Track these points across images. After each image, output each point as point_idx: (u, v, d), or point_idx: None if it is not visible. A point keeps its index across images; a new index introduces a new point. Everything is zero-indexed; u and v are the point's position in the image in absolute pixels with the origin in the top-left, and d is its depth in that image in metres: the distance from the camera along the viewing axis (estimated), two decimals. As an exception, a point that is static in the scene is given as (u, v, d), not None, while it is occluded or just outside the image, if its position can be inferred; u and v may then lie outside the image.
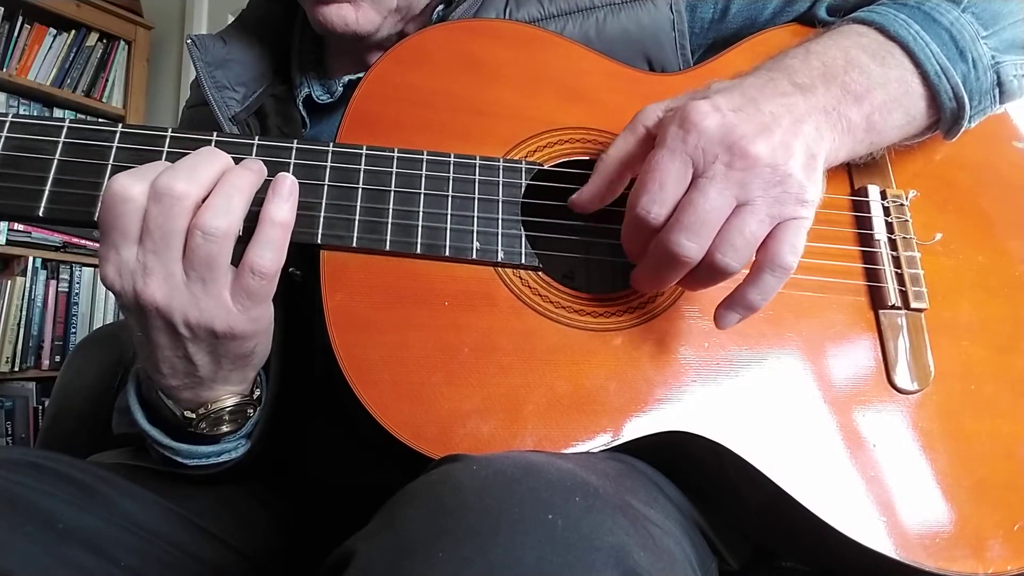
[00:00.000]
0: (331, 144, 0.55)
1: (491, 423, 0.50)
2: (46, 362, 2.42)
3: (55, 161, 0.51)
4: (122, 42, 2.71)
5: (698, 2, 0.70)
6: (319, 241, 0.53)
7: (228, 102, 0.68)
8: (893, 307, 0.58)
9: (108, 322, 2.54)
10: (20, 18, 2.47)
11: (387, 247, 0.53)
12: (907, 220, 0.62)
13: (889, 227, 0.61)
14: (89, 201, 0.51)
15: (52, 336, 2.45)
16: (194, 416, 0.53)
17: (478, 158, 0.57)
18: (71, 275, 2.53)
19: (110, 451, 0.68)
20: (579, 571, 0.32)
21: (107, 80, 2.68)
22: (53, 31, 2.55)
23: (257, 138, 0.54)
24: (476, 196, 0.56)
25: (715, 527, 0.58)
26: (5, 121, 0.52)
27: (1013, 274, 0.63)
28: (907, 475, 0.54)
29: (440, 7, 0.70)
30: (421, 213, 0.54)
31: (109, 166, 0.52)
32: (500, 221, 0.55)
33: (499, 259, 0.54)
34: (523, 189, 0.57)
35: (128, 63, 2.73)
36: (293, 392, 0.60)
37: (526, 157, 0.58)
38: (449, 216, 0.55)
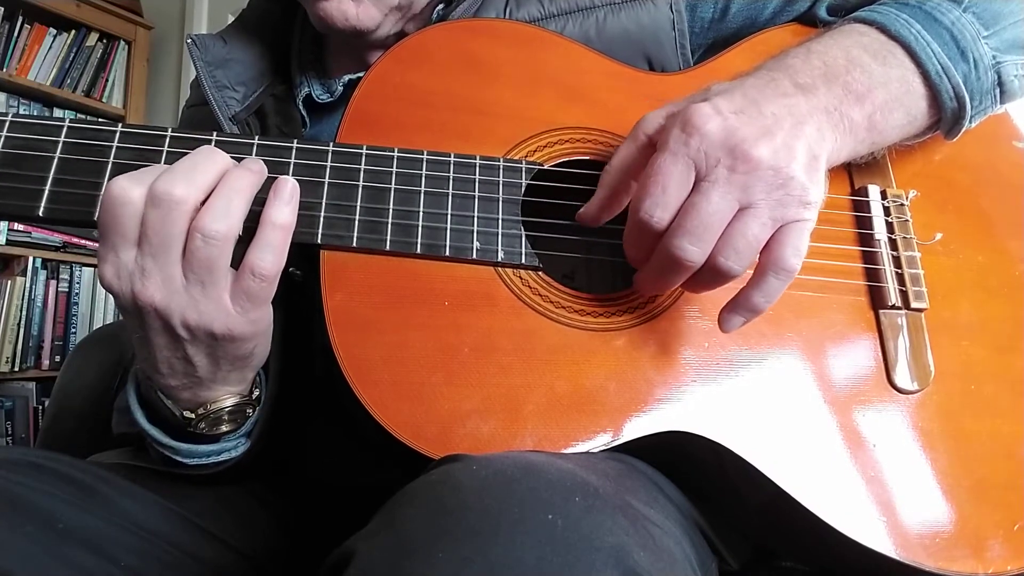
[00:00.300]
0: (331, 144, 0.55)
1: (491, 423, 0.50)
2: (46, 362, 2.42)
3: (55, 161, 0.51)
4: (122, 42, 2.71)
5: (698, 2, 0.70)
6: (319, 241, 0.53)
7: (228, 102, 0.68)
8: (893, 307, 0.58)
9: (108, 322, 2.54)
10: (20, 18, 2.47)
11: (387, 247, 0.53)
12: (907, 220, 0.62)
13: (889, 227, 0.61)
14: (89, 201, 0.51)
15: (52, 336, 2.45)
16: (193, 416, 0.53)
17: (478, 158, 0.57)
18: (71, 275, 2.53)
19: (110, 451, 0.68)
20: (579, 571, 0.32)
21: (107, 80, 2.68)
22: (53, 31, 2.55)
23: (257, 138, 0.54)
24: (476, 196, 0.56)
25: (715, 527, 0.58)
26: (5, 121, 0.52)
27: (1013, 274, 0.63)
28: (907, 475, 0.54)
29: (440, 6, 0.70)
30: (421, 213, 0.54)
31: (109, 166, 0.52)
32: (500, 221, 0.55)
33: (499, 259, 0.54)
34: (523, 189, 0.57)
35: (128, 63, 2.73)
36: (293, 392, 0.60)
37: (526, 157, 0.58)
38: (449, 216, 0.55)
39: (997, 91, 0.59)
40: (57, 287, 2.49)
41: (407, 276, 0.54)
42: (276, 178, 0.51)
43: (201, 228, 0.46)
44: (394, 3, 0.65)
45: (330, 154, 0.55)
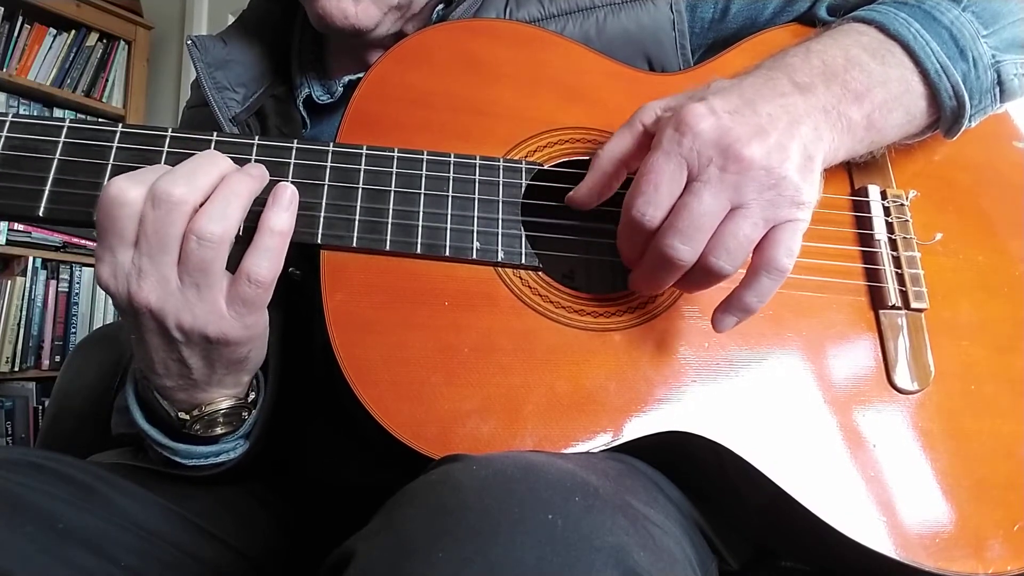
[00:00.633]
0: (331, 144, 0.55)
1: (491, 423, 0.50)
2: (46, 362, 2.42)
3: (55, 161, 0.51)
4: (122, 42, 2.71)
5: (698, 2, 0.70)
6: (319, 241, 0.53)
7: (228, 103, 0.68)
8: (893, 307, 0.58)
9: (108, 322, 2.54)
10: (20, 18, 2.47)
11: (387, 247, 0.53)
12: (907, 220, 0.62)
13: (889, 227, 0.61)
14: (89, 201, 0.51)
15: (52, 336, 2.45)
16: (188, 417, 0.53)
17: (478, 158, 0.57)
18: (71, 275, 2.53)
19: (110, 451, 0.68)
20: (579, 571, 0.32)
21: (107, 80, 2.68)
22: (53, 31, 2.55)
23: (257, 138, 0.54)
24: (476, 196, 0.56)
25: (715, 527, 0.58)
26: (5, 121, 0.52)
27: (1013, 274, 0.63)
28: (907, 475, 0.54)
29: (440, 7, 0.70)
30: (421, 213, 0.54)
31: (109, 166, 0.52)
32: (500, 221, 0.55)
33: (499, 259, 0.54)
34: (523, 189, 0.57)
35: (128, 63, 2.73)
36: (293, 392, 0.60)
37: (526, 157, 0.58)
38: (449, 216, 0.55)
39: (996, 90, 0.59)
40: (57, 287, 2.49)
41: (407, 276, 0.54)
42: (277, 182, 0.51)
43: (196, 230, 0.46)
44: (393, 2, 0.65)
45: (330, 154, 0.55)
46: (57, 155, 0.51)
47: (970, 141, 0.63)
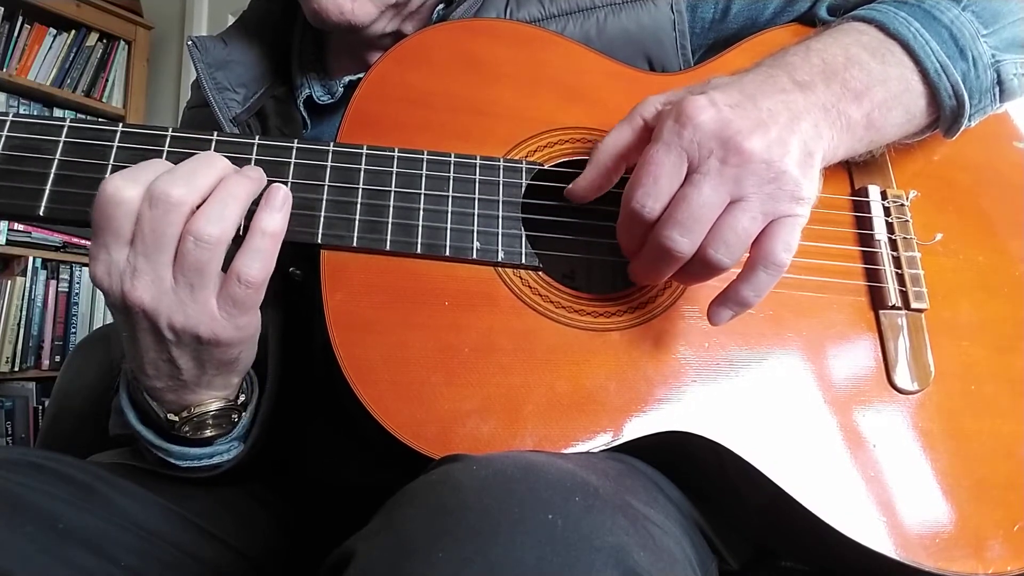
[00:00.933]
0: (331, 144, 0.55)
1: (491, 423, 0.50)
2: (46, 362, 2.42)
3: (56, 161, 0.51)
4: (122, 42, 2.71)
5: (699, 2, 0.70)
6: (319, 241, 0.53)
7: (229, 103, 0.68)
8: (893, 307, 0.58)
9: (108, 322, 2.54)
10: (20, 18, 2.48)
11: (387, 247, 0.53)
12: (907, 220, 0.62)
13: (889, 227, 0.61)
14: (90, 201, 0.50)
15: (52, 336, 2.45)
16: (176, 419, 0.53)
17: (479, 158, 0.57)
18: (71, 275, 2.53)
19: (110, 451, 0.68)
20: (579, 571, 0.32)
21: (107, 80, 2.68)
22: (53, 31, 2.56)
23: (258, 138, 0.54)
24: (476, 196, 0.56)
25: (715, 527, 0.58)
26: (6, 120, 0.52)
27: (1013, 274, 0.63)
28: (907, 475, 0.54)
29: (440, 7, 0.70)
30: (421, 213, 0.54)
31: (110, 166, 0.52)
32: (500, 221, 0.55)
33: (499, 259, 0.54)
34: (523, 189, 0.57)
35: (128, 63, 2.73)
36: (293, 392, 0.60)
37: (526, 157, 0.58)
38: (449, 216, 0.55)
39: (996, 90, 0.59)
40: (57, 287, 2.49)
41: (407, 276, 0.54)
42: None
43: (194, 231, 0.46)
44: (391, 0, 0.65)
45: (330, 154, 0.55)
46: (58, 155, 0.51)
47: (970, 141, 0.63)
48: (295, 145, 0.54)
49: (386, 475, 0.46)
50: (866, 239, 0.61)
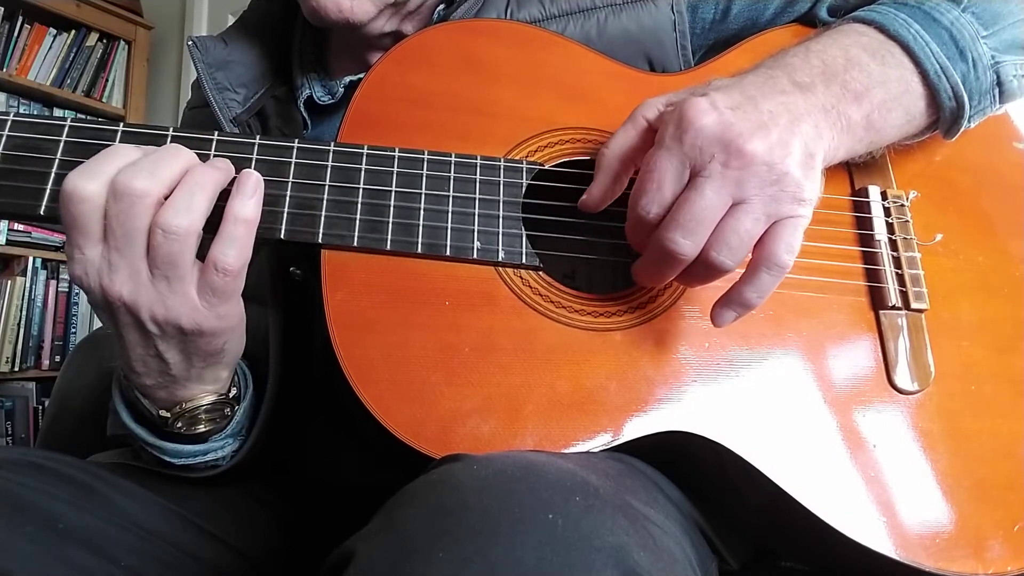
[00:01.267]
0: (332, 143, 0.55)
1: (491, 423, 0.50)
2: (46, 362, 2.42)
3: (56, 160, 0.51)
4: (122, 42, 2.71)
5: (699, 3, 0.70)
6: (320, 240, 0.53)
7: (229, 104, 0.68)
8: (893, 307, 0.58)
9: (108, 322, 2.54)
10: (20, 18, 2.47)
11: (388, 247, 0.53)
12: (908, 221, 0.62)
13: (890, 227, 0.61)
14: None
15: (52, 336, 2.45)
16: (169, 415, 0.53)
17: (479, 158, 0.57)
18: (71, 275, 2.52)
19: (110, 451, 0.68)
20: (579, 571, 0.32)
21: (107, 80, 2.68)
22: (53, 31, 2.55)
23: (258, 138, 0.54)
24: (477, 196, 0.56)
25: (715, 527, 0.58)
26: (7, 120, 0.52)
27: (1013, 274, 0.63)
28: (907, 475, 0.54)
29: (441, 7, 0.70)
30: (422, 212, 0.54)
31: (110, 166, 0.51)
32: (501, 221, 0.55)
33: (500, 259, 0.54)
34: (524, 189, 0.57)
35: (128, 63, 2.73)
36: (293, 392, 0.60)
37: (527, 157, 0.58)
38: (450, 216, 0.55)
39: (996, 91, 0.59)
40: (57, 287, 2.49)
41: (408, 276, 0.54)
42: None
43: (162, 223, 0.46)
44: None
45: (331, 154, 0.55)
46: (59, 154, 0.51)
47: (970, 142, 0.63)
48: (296, 145, 0.54)
49: (386, 475, 0.46)
50: (866, 239, 0.61)
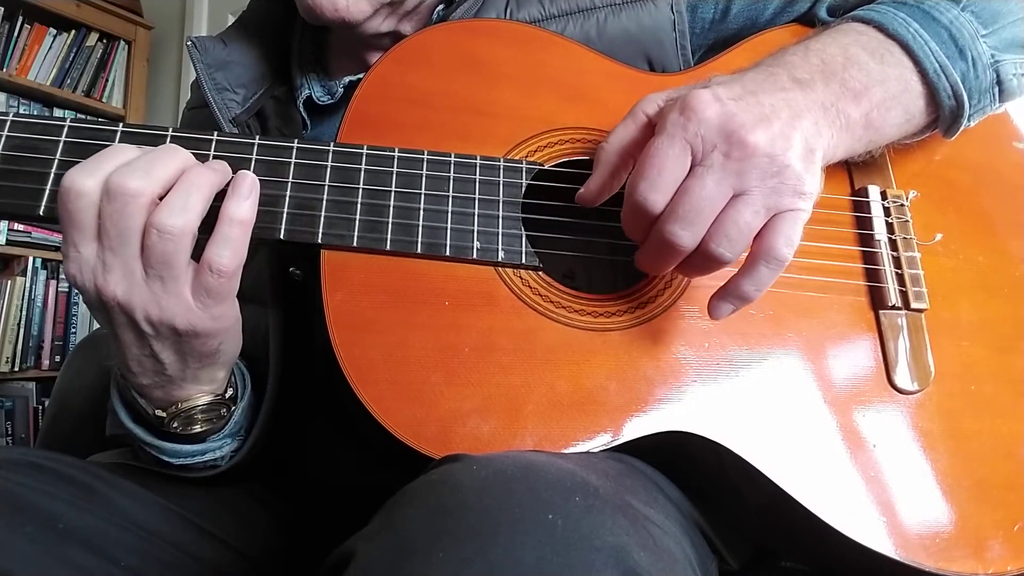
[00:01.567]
0: (332, 143, 0.55)
1: (491, 423, 0.50)
2: (46, 362, 2.42)
3: (56, 160, 0.51)
4: (122, 42, 2.71)
5: (699, 2, 0.70)
6: (320, 241, 0.53)
7: (228, 104, 0.68)
8: (893, 307, 0.58)
9: (108, 322, 2.54)
10: (20, 18, 2.48)
11: (388, 247, 0.53)
12: (907, 220, 0.62)
13: (889, 227, 0.61)
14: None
15: (52, 336, 2.45)
16: (165, 415, 0.53)
17: (479, 158, 0.57)
18: (71, 275, 2.52)
19: (110, 451, 0.68)
20: (579, 571, 0.32)
21: (107, 80, 2.68)
22: (53, 31, 2.56)
23: (258, 138, 0.54)
24: (477, 196, 0.56)
25: (715, 527, 0.58)
26: (6, 120, 0.52)
27: (1013, 274, 0.63)
28: (907, 475, 0.54)
29: (440, 7, 0.70)
30: (422, 213, 0.54)
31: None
32: (501, 221, 0.55)
33: (500, 259, 0.54)
34: (523, 189, 0.57)
35: (128, 63, 2.73)
36: (293, 392, 0.60)
37: (526, 157, 0.58)
38: (450, 216, 0.55)
39: (996, 90, 0.59)
40: (57, 287, 2.49)
41: (408, 276, 0.54)
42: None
43: (156, 223, 0.46)
44: None
45: (331, 154, 0.55)
46: (58, 155, 0.51)
47: (970, 142, 0.63)
48: (295, 145, 0.54)
49: (386, 475, 0.46)
50: (866, 239, 0.61)
